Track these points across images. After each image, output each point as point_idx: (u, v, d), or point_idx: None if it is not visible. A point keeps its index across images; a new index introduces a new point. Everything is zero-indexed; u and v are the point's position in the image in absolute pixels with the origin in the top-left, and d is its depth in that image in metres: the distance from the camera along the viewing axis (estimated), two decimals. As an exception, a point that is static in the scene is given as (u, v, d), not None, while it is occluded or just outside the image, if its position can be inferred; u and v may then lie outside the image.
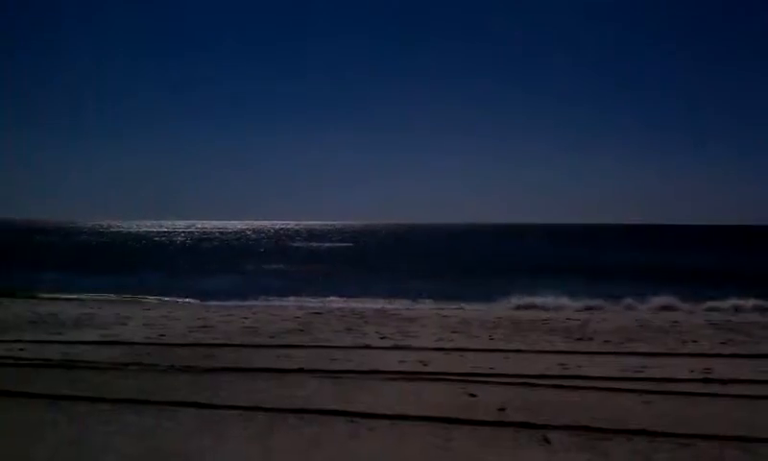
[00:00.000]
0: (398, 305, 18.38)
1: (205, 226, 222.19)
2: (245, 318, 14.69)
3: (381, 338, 11.92)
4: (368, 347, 10.98)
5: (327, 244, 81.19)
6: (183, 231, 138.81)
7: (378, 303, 18.92)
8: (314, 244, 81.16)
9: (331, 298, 21.18)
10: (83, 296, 20.59)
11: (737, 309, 17.34)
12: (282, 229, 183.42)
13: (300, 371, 8.95)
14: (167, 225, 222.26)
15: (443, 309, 17.27)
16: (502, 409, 7.07)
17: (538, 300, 20.64)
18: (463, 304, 18.70)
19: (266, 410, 7.01)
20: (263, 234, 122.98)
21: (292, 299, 20.78)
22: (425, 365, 9.39)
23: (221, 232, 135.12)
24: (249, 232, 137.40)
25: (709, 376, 8.74)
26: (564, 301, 20.05)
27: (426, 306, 18.18)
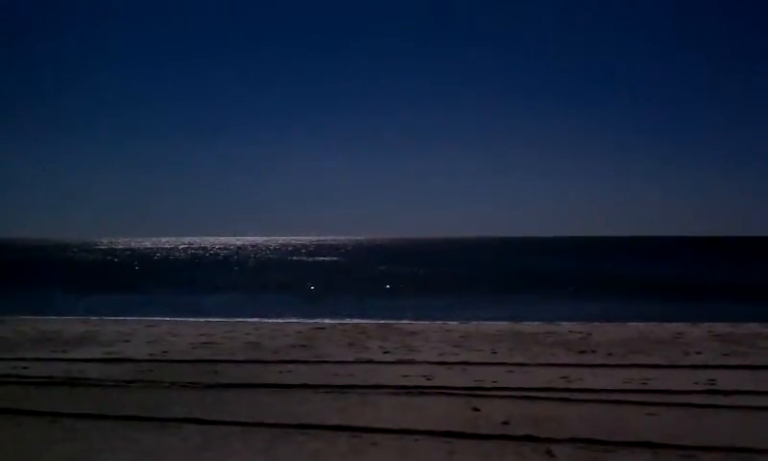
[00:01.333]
0: (401, 320, 18.33)
1: (204, 242, 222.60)
2: (248, 334, 14.69)
3: (384, 352, 11.92)
4: (371, 361, 10.98)
5: (324, 259, 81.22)
6: (178, 248, 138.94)
7: (380, 318, 18.88)
8: (311, 259, 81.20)
9: (334, 313, 21.17)
10: (85, 313, 20.61)
11: (740, 321, 17.28)
12: (280, 244, 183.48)
13: (304, 386, 8.95)
14: (165, 242, 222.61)
15: (445, 323, 17.24)
16: (506, 423, 7.06)
17: (539, 313, 20.62)
18: (465, 318, 18.67)
19: (269, 426, 7.02)
20: (259, 250, 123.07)
21: (294, 314, 20.76)
22: (429, 379, 9.39)
23: (219, 248, 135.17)
24: (245, 248, 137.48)
25: (713, 387, 8.72)
26: (566, 313, 20.03)
27: (428, 320, 18.14)
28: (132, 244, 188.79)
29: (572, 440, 6.41)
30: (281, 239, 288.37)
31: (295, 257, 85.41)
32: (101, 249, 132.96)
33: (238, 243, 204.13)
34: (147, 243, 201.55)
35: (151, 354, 11.76)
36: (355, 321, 18.13)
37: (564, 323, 17.16)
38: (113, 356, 11.51)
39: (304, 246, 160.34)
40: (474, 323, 17.44)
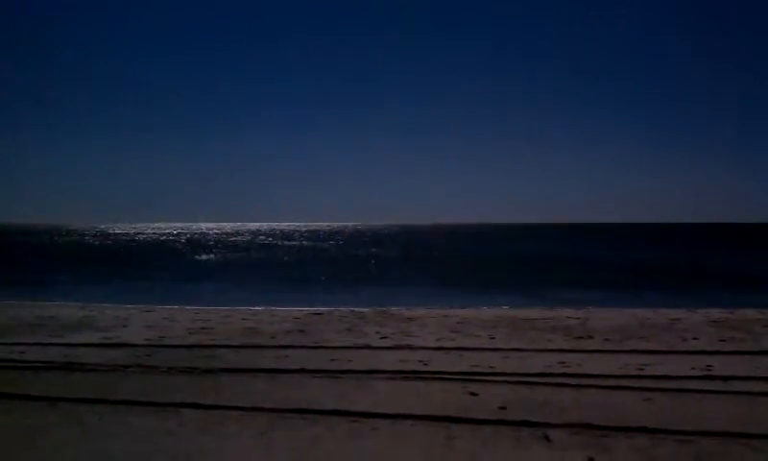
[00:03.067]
0: (398, 306, 18.33)
1: (200, 227, 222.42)
2: (245, 319, 14.68)
3: (381, 338, 11.92)
4: (368, 347, 10.99)
5: (323, 244, 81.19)
6: (177, 233, 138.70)
7: (378, 304, 18.88)
8: (308, 243, 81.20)
9: (331, 298, 21.16)
10: (83, 298, 20.57)
11: (737, 307, 17.32)
12: (278, 230, 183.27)
13: (301, 371, 8.96)
14: (160, 227, 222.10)
15: (442, 309, 17.24)
16: (503, 408, 7.08)
17: (536, 298, 20.66)
18: (462, 304, 18.68)
19: (267, 410, 7.02)
20: (256, 235, 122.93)
21: (292, 300, 20.74)
22: (426, 364, 9.40)
23: (216, 234, 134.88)
24: (243, 233, 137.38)
25: (710, 373, 8.75)
26: (564, 299, 20.07)
27: (426, 307, 18.14)
28: (132, 230, 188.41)
29: (569, 425, 6.42)
30: (279, 225, 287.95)
31: (292, 243, 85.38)
32: (95, 234, 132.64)
33: (236, 229, 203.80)
34: (147, 229, 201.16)
35: (148, 339, 11.75)
36: (352, 306, 18.12)
37: (561, 308, 17.18)
38: (111, 341, 11.50)
39: (298, 231, 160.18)
40: (472, 309, 17.45)
